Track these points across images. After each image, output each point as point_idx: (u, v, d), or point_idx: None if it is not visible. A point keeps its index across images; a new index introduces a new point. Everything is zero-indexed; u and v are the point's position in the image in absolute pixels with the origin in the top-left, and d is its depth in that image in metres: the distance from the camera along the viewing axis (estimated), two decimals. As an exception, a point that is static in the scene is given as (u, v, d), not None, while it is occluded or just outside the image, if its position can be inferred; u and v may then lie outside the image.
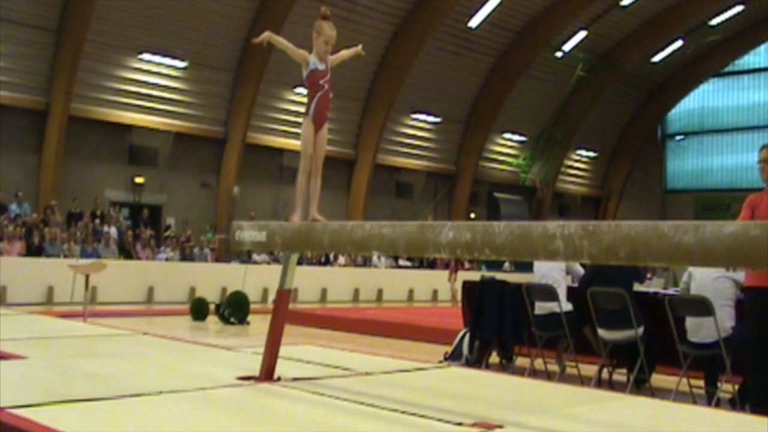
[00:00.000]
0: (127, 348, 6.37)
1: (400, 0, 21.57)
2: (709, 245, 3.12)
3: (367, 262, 19.91)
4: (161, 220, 19.60)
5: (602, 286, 6.33)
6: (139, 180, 19.16)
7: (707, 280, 5.75)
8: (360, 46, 5.18)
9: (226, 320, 11.41)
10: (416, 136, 24.58)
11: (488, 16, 22.76)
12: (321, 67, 4.76)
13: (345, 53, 5.07)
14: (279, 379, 4.80)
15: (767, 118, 30.00)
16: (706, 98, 31.83)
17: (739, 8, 27.12)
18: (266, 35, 4.91)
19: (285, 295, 5.07)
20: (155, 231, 17.91)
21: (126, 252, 16.09)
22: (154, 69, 18.97)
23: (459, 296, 9.66)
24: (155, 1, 18.04)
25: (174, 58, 18.97)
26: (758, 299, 4.97)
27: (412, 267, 20.88)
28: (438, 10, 21.50)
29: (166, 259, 16.35)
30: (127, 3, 17.69)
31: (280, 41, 4.88)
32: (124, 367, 5.17)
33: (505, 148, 27.86)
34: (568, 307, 6.88)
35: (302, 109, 20.38)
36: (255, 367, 4.88)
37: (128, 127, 18.82)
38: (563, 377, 6.78)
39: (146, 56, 18.63)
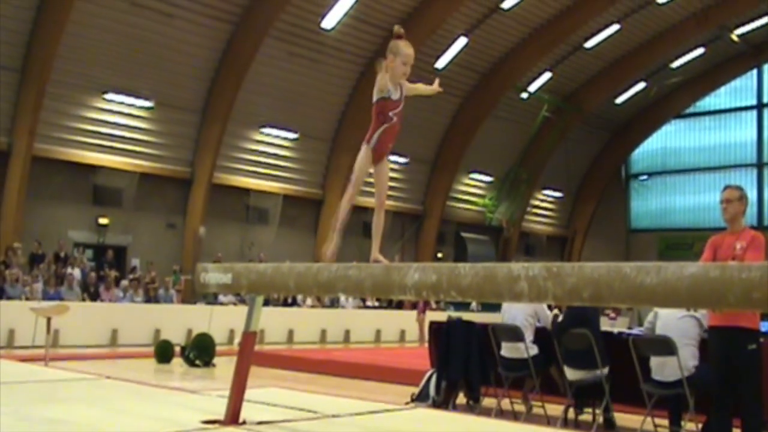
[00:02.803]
0: (90, 393, 6.23)
1: (367, 42, 21.85)
2: (671, 286, 3.17)
3: (334, 303, 19.80)
4: (126, 261, 19.33)
5: (575, 327, 6.39)
6: (103, 221, 18.93)
7: (672, 320, 5.83)
8: (437, 83, 4.56)
9: (191, 363, 11.23)
10: (384, 176, 24.70)
11: (455, 57, 23.14)
12: (395, 96, 4.31)
13: (423, 87, 4.58)
14: (244, 422, 4.73)
15: (728, 158, 30.71)
16: (669, 139, 32.54)
17: (699, 51, 27.95)
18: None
19: (250, 337, 5.03)
20: (120, 272, 17.65)
21: (90, 294, 15.81)
22: (119, 109, 18.88)
23: (426, 336, 9.64)
24: (120, 40, 18.02)
25: (139, 97, 18.91)
26: (721, 339, 5.04)
27: (380, 307, 20.80)
28: (405, 53, 21.77)
29: (129, 299, 16.09)
30: (92, 42, 17.65)
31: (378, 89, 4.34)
32: (86, 413, 5.05)
33: (472, 188, 28.11)
34: (534, 350, 6.90)
35: (269, 150, 20.67)
36: (220, 410, 4.80)
37: (93, 168, 18.65)
38: (530, 417, 6.77)
39: (111, 96, 18.55)
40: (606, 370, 6.20)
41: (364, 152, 4.35)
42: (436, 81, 4.53)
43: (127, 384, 6.94)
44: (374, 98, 4.33)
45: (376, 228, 4.52)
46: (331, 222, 4.54)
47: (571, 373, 6.38)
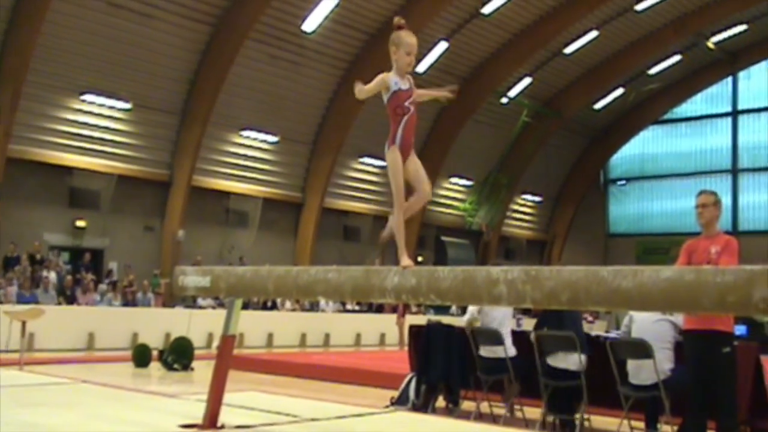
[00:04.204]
0: (66, 397, 6.17)
1: (348, 45, 21.86)
2: (647, 290, 3.21)
3: (314, 307, 19.77)
4: (103, 264, 19.16)
5: (553, 329, 6.44)
6: (80, 223, 18.74)
7: (647, 323, 5.88)
8: (448, 90, 4.44)
9: (169, 367, 11.16)
10: (364, 179, 24.71)
11: (435, 62, 23.21)
12: (404, 86, 4.15)
13: (434, 92, 4.44)
14: (223, 426, 4.72)
15: (704, 164, 31.04)
16: (646, 145, 32.82)
17: (676, 58, 28.26)
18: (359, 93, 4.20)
19: (229, 341, 5.01)
20: (97, 276, 17.50)
21: (66, 297, 15.66)
22: (97, 110, 18.71)
23: (406, 340, 9.65)
24: (98, 41, 17.86)
25: (117, 99, 18.75)
26: (696, 342, 5.10)
27: (360, 311, 20.79)
28: (384, 55, 21.59)
29: (107, 303, 15.96)
30: (69, 43, 17.49)
31: (358, 90, 4.24)
32: (62, 418, 5.00)
33: (453, 192, 28.19)
34: (512, 351, 6.94)
35: (249, 153, 20.50)
36: (198, 414, 4.78)
37: (69, 169, 18.46)
38: (509, 421, 6.80)
39: (88, 97, 18.37)
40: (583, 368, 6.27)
41: (392, 156, 4.13)
42: (454, 87, 4.45)
43: (104, 388, 6.89)
44: (385, 98, 4.17)
45: (408, 210, 4.22)
46: (380, 236, 4.29)
47: (552, 377, 6.42)
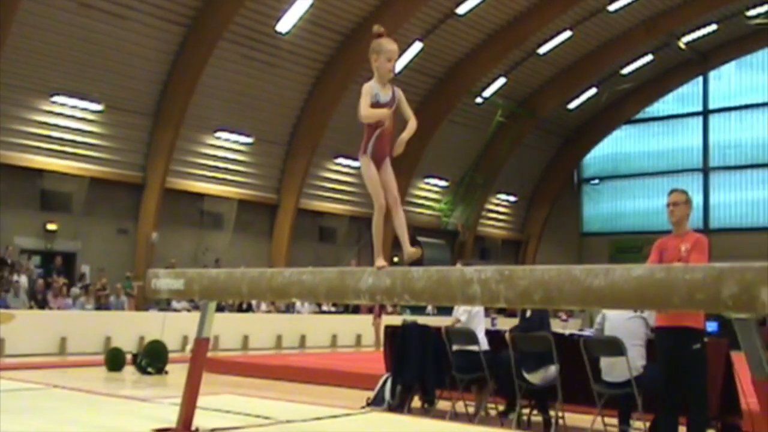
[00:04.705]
0: (38, 403, 6.09)
1: (323, 46, 21.82)
2: (618, 288, 3.24)
3: (290, 308, 19.70)
4: (75, 268, 18.93)
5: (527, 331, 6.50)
6: (51, 227, 18.49)
7: (620, 321, 5.94)
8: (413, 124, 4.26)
9: (143, 370, 11.05)
10: (339, 180, 24.68)
11: (410, 62, 23.25)
12: (384, 98, 4.09)
13: (410, 117, 4.26)
14: (197, 430, 4.68)
15: (675, 163, 31.41)
16: (619, 144, 33.14)
17: (648, 58, 28.58)
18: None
19: (203, 343, 4.98)
20: (69, 279, 17.28)
21: (37, 302, 15.45)
22: (68, 112, 18.48)
23: (382, 340, 9.64)
24: (69, 42, 17.63)
25: (89, 100, 18.54)
26: (667, 338, 5.15)
27: (336, 312, 20.76)
28: (359, 55, 21.79)
29: (79, 306, 15.78)
30: (39, 44, 17.24)
31: (364, 114, 4.07)
32: (33, 424, 4.94)
33: (428, 193, 28.24)
34: (485, 345, 6.99)
35: (224, 154, 20.37)
36: (172, 418, 4.74)
37: (40, 172, 18.21)
38: (484, 420, 6.82)
39: (59, 99, 18.13)
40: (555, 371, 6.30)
41: (364, 164, 4.16)
42: (413, 120, 4.29)
43: (76, 393, 6.81)
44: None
45: (400, 225, 4.20)
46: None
47: (529, 376, 6.46)
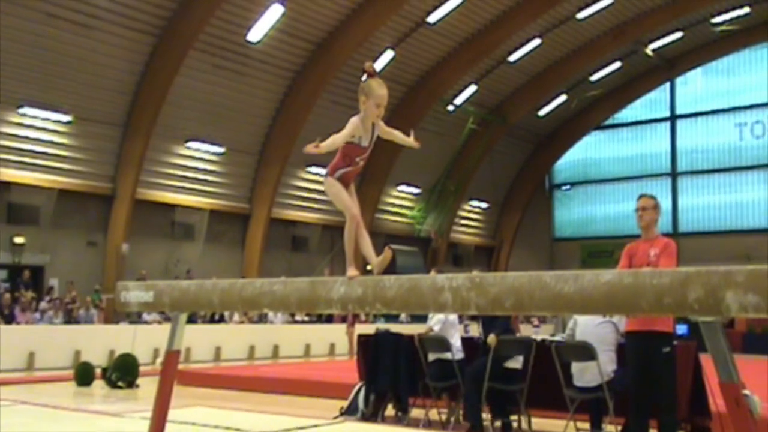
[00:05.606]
0: (4, 419, 5.97)
1: (294, 55, 21.79)
2: (588, 294, 3.25)
3: (262, 318, 19.57)
4: (44, 281, 18.64)
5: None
6: (18, 240, 18.20)
7: (590, 326, 5.98)
8: (413, 135, 4.32)
9: (113, 384, 10.89)
10: (312, 189, 24.62)
11: (382, 70, 23.25)
12: (365, 142, 4.04)
13: (400, 135, 4.29)
14: (167, 445, 4.61)
15: (644, 168, 31.82)
16: (589, 150, 33.49)
17: (616, 65, 28.96)
18: (318, 149, 3.95)
19: (174, 356, 4.91)
20: (37, 293, 17.01)
21: (4, 316, 15.17)
22: (36, 123, 18.23)
23: (356, 349, 9.61)
24: (36, 52, 17.40)
25: (57, 111, 18.31)
26: (637, 343, 5.20)
27: (309, 322, 20.66)
28: (331, 64, 21.84)
29: (48, 320, 15.52)
30: (5, 54, 16.98)
31: (328, 144, 3.99)
32: (-3, 441, 4.84)
33: (401, 200, 28.29)
34: (459, 355, 6.99)
35: (195, 164, 20.17)
36: (141, 433, 4.67)
37: (7, 185, 17.93)
38: (457, 427, 6.82)
39: (26, 110, 17.88)
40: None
41: (330, 183, 4.07)
42: (412, 134, 4.32)
43: (44, 409, 6.69)
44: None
45: (365, 247, 4.11)
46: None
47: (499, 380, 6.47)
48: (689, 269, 2.93)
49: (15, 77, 17.41)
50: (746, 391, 2.90)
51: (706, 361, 6.23)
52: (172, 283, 5.27)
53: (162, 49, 19.08)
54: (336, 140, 3.97)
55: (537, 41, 25.47)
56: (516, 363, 6.47)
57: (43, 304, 16.19)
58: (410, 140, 4.26)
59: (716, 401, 5.60)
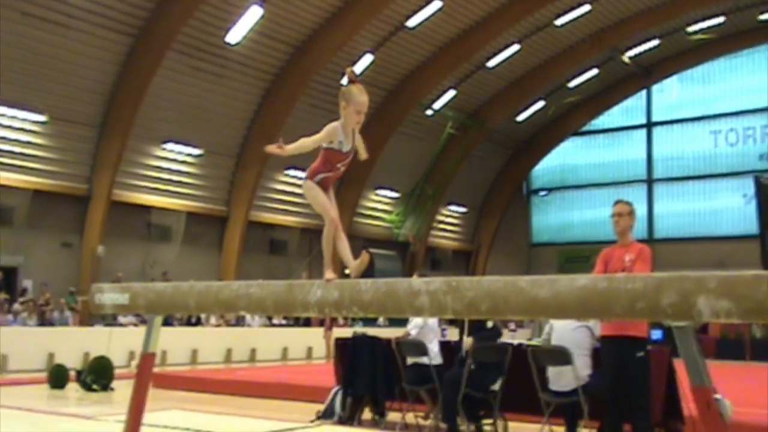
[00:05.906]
0: (-26, 423, 5.89)
1: (273, 57, 21.73)
2: (563, 298, 3.28)
3: (239, 321, 19.47)
4: (17, 282, 18.40)
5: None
6: (-8, 240, 17.99)
7: (566, 331, 6.03)
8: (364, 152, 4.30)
9: (88, 387, 10.78)
10: (290, 192, 24.56)
11: (361, 74, 23.26)
12: (345, 147, 4.04)
13: (362, 145, 4.27)
14: (141, 448, 4.58)
15: (621, 174, 32.10)
16: (567, 156, 33.72)
17: (594, 72, 29.21)
18: (282, 151, 4.03)
19: (149, 359, 4.88)
20: (10, 294, 16.79)
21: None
22: (10, 123, 17.99)
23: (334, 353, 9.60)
24: (10, 52, 17.15)
25: (32, 111, 18.09)
26: (611, 347, 5.25)
27: (287, 325, 20.59)
28: (310, 68, 21.81)
29: (21, 323, 15.33)
30: (-21, 55, 16.81)
31: (296, 146, 4.04)
32: (-32, 445, 4.77)
33: (379, 204, 28.31)
34: (438, 360, 7.00)
35: (172, 166, 20.09)
36: (115, 437, 4.64)
37: (-21, 185, 17.73)
38: (434, 430, 6.83)
39: (1, 110, 17.64)
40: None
41: (309, 186, 4.08)
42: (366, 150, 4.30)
43: (17, 412, 6.61)
44: (325, 144, 4.06)
45: (343, 250, 4.13)
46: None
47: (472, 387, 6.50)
48: (663, 275, 2.97)
49: (-11, 76, 17.19)
50: (717, 395, 2.94)
51: (679, 365, 6.33)
52: (148, 285, 5.25)
53: (139, 49, 18.95)
54: (305, 144, 3.97)
55: (515, 47, 25.62)
56: (496, 386, 6.48)
57: (16, 306, 16.00)
58: (362, 152, 4.24)
59: (689, 405, 5.66)
